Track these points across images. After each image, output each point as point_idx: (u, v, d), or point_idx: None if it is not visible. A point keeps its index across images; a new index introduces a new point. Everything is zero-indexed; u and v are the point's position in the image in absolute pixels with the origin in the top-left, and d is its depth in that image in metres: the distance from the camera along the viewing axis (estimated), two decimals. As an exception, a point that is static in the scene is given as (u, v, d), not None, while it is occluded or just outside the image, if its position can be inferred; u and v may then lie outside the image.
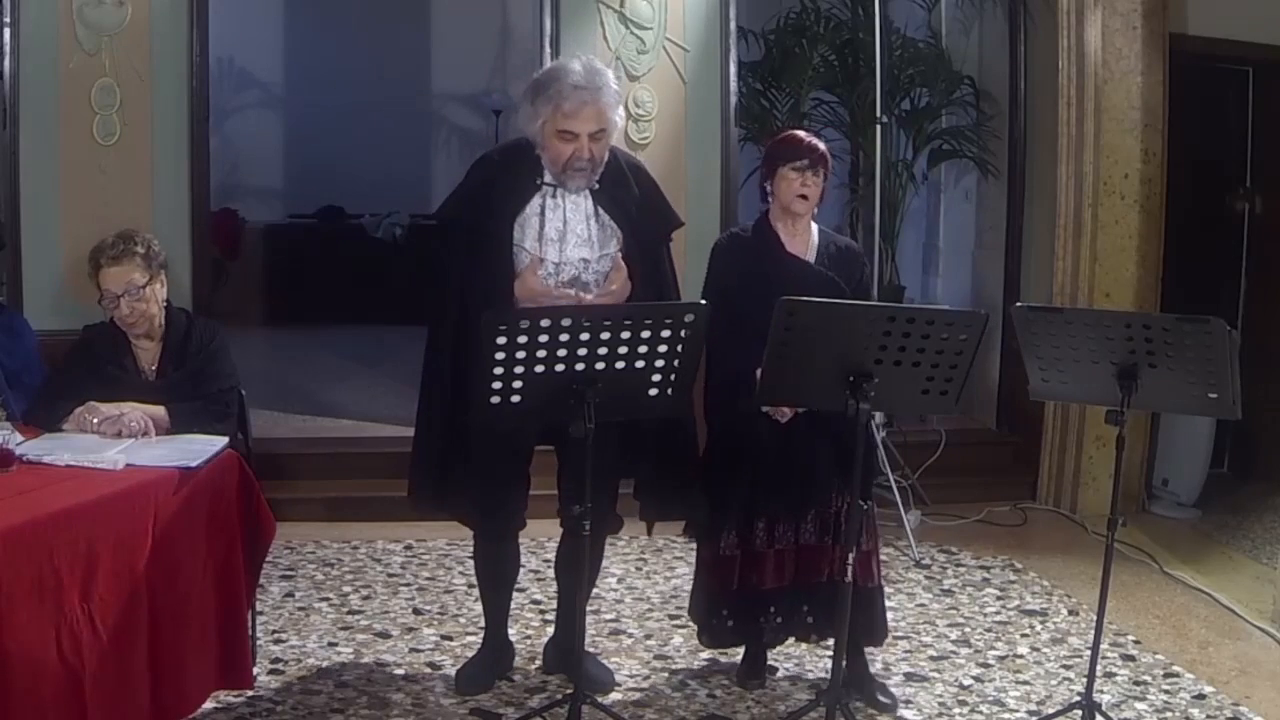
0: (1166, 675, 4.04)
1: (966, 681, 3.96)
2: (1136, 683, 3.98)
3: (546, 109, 3.45)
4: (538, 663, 3.99)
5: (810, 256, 3.71)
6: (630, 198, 3.61)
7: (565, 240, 3.52)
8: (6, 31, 5.40)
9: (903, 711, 3.72)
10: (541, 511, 3.80)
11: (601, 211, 3.56)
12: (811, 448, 3.62)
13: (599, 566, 3.98)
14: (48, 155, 5.50)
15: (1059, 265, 5.94)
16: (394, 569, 4.87)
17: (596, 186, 3.56)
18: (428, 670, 3.95)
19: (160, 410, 3.54)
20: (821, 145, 3.68)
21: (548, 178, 3.54)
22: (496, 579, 3.85)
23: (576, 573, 3.53)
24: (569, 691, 3.41)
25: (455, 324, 3.57)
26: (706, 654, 4.05)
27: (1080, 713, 3.44)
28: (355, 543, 5.14)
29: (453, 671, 3.89)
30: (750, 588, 3.69)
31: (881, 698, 3.73)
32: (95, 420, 3.47)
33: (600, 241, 3.55)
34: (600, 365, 3.09)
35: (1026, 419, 6.18)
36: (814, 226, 3.77)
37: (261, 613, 4.22)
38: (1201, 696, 3.89)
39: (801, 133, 3.75)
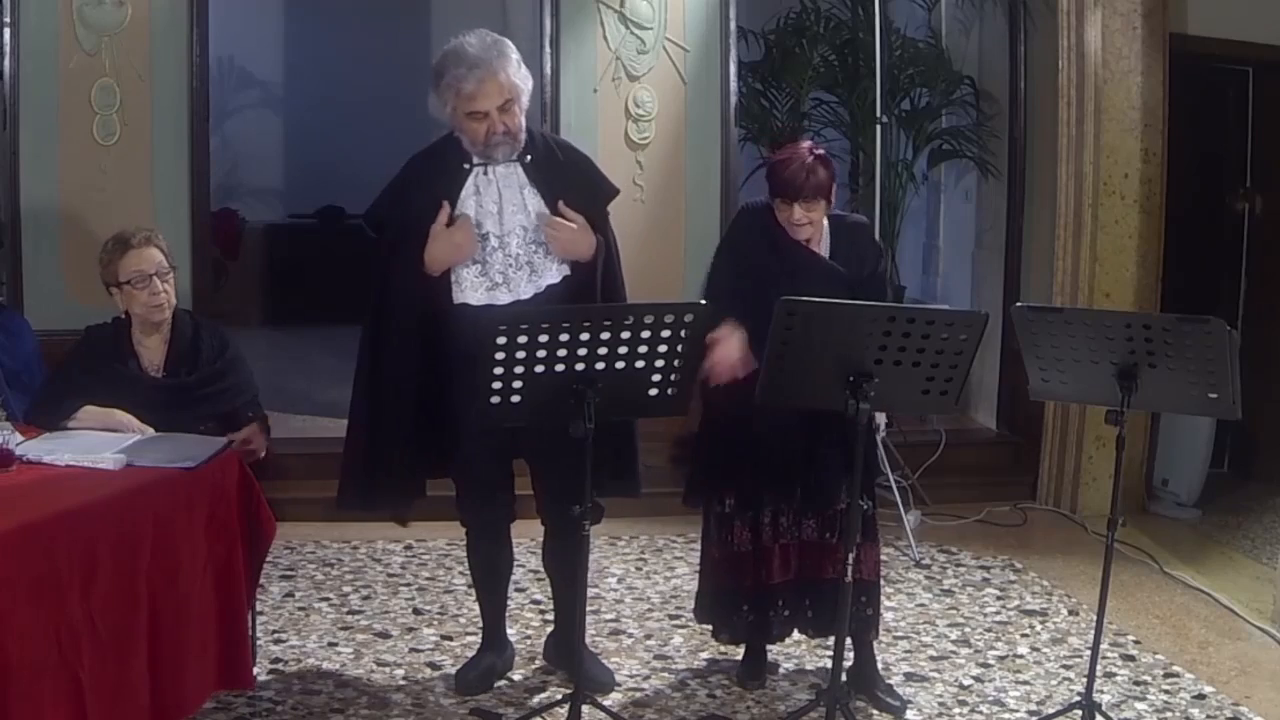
0: (1166, 675, 4.04)
1: (966, 681, 3.96)
2: (1136, 683, 3.98)
3: (449, 95, 3.47)
4: (538, 663, 3.99)
5: (825, 249, 3.68)
6: (559, 174, 3.61)
7: (503, 211, 3.54)
8: (6, 31, 5.40)
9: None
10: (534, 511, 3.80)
11: (534, 184, 3.57)
12: (816, 443, 3.61)
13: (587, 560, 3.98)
14: (48, 155, 5.50)
15: (1059, 265, 5.94)
16: (394, 569, 4.87)
17: (528, 159, 3.57)
18: (428, 670, 3.95)
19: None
20: (811, 167, 3.50)
21: (475, 159, 3.55)
22: (490, 577, 3.86)
23: (565, 569, 3.59)
24: (569, 691, 3.42)
25: (376, 323, 3.63)
26: (706, 654, 4.05)
27: (1080, 713, 3.44)
28: (355, 543, 5.14)
29: (453, 671, 3.89)
30: (761, 583, 3.70)
31: (889, 699, 3.73)
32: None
33: (536, 210, 3.56)
34: (600, 365, 3.09)
35: (1026, 419, 6.18)
36: (824, 221, 3.72)
37: (261, 613, 4.22)
38: (1201, 696, 3.89)
39: (795, 156, 3.54)
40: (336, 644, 4.12)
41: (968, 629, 4.41)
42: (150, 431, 3.49)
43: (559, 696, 3.66)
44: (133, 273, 3.65)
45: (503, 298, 3.53)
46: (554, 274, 3.57)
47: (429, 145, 3.77)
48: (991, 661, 4.12)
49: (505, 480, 3.72)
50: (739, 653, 3.94)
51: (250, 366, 3.84)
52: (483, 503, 3.69)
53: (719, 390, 3.53)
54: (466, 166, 3.57)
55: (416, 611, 4.44)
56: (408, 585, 4.70)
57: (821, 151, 3.62)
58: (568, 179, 3.62)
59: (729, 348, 3.46)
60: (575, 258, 3.57)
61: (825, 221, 3.70)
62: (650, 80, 5.89)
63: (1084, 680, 3.54)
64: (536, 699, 3.75)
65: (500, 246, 3.54)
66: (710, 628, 3.90)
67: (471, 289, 3.54)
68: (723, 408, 3.62)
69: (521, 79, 3.50)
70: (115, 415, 3.51)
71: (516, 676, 3.90)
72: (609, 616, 4.44)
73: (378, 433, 3.65)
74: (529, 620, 4.33)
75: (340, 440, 5.87)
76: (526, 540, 3.84)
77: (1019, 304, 3.51)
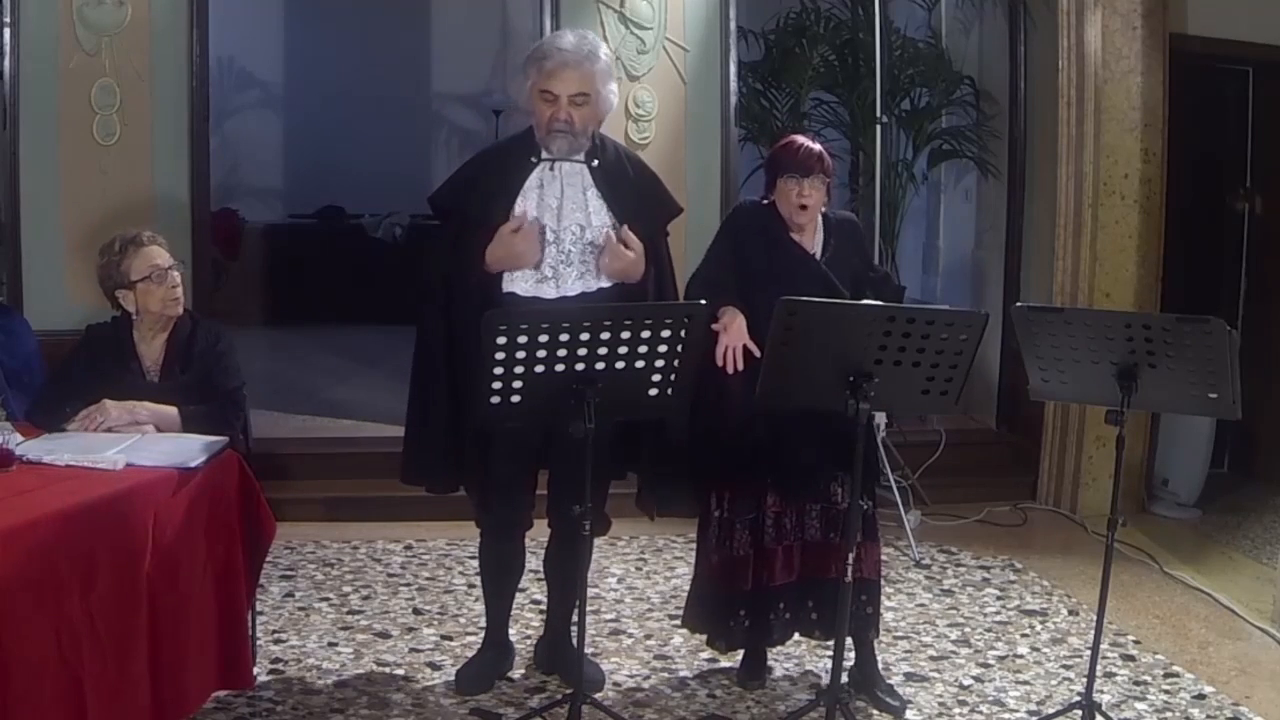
0: (1166, 675, 4.04)
1: (966, 681, 3.96)
2: (1136, 683, 3.99)
3: (532, 70, 3.53)
4: (538, 663, 3.99)
5: (817, 245, 3.70)
6: (627, 186, 3.64)
7: (562, 207, 3.56)
8: (6, 31, 5.40)
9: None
10: (543, 511, 3.80)
11: (598, 188, 3.60)
12: (804, 429, 3.61)
13: (589, 565, 3.98)
14: (48, 155, 5.50)
15: (1059, 265, 5.94)
16: (394, 569, 4.87)
17: (595, 164, 3.59)
18: (428, 670, 3.95)
19: (172, 411, 3.55)
20: (817, 148, 3.64)
21: (544, 154, 3.58)
22: (500, 580, 3.85)
23: (567, 573, 3.59)
24: (569, 691, 3.42)
25: (443, 311, 3.61)
26: (706, 654, 4.05)
27: (1080, 713, 3.44)
28: (355, 543, 5.14)
29: (453, 671, 3.89)
30: (762, 585, 3.69)
31: (889, 699, 3.72)
32: (101, 419, 3.48)
33: (596, 212, 3.58)
34: (600, 365, 3.09)
35: (1026, 419, 6.18)
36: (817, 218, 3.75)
37: (261, 613, 4.22)
38: (1201, 696, 3.89)
39: (798, 139, 3.70)
40: (336, 644, 4.13)
41: (968, 629, 4.41)
42: (150, 428, 3.50)
43: (559, 696, 3.66)
44: (150, 268, 3.66)
45: (549, 292, 3.54)
46: (605, 278, 3.58)
47: (499, 141, 3.84)
48: (991, 661, 4.12)
49: (529, 482, 3.72)
50: (739, 652, 3.93)
51: (238, 358, 3.81)
52: (504, 503, 3.68)
53: (716, 391, 3.55)
54: (534, 160, 3.59)
55: (416, 611, 4.44)
56: (408, 585, 4.70)
57: None
58: (634, 193, 3.65)
59: (738, 331, 3.48)
60: (620, 280, 3.58)
61: (818, 217, 3.73)
62: (650, 80, 5.90)
63: (1084, 680, 3.54)
64: (536, 699, 3.75)
65: (554, 241, 3.55)
66: (706, 635, 3.89)
67: (521, 279, 3.55)
68: (720, 408, 3.62)
69: (607, 89, 3.53)
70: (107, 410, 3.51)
71: (516, 676, 3.90)
72: (609, 616, 4.44)
73: (433, 418, 3.64)
74: (529, 620, 4.33)
75: (338, 440, 5.99)
76: (527, 540, 3.84)
77: (1019, 304, 3.51)
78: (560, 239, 3.55)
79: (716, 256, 3.73)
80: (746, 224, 3.74)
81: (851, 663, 3.74)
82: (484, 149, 3.85)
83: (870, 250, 3.88)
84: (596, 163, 3.60)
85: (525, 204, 3.56)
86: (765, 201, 3.72)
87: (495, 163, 3.68)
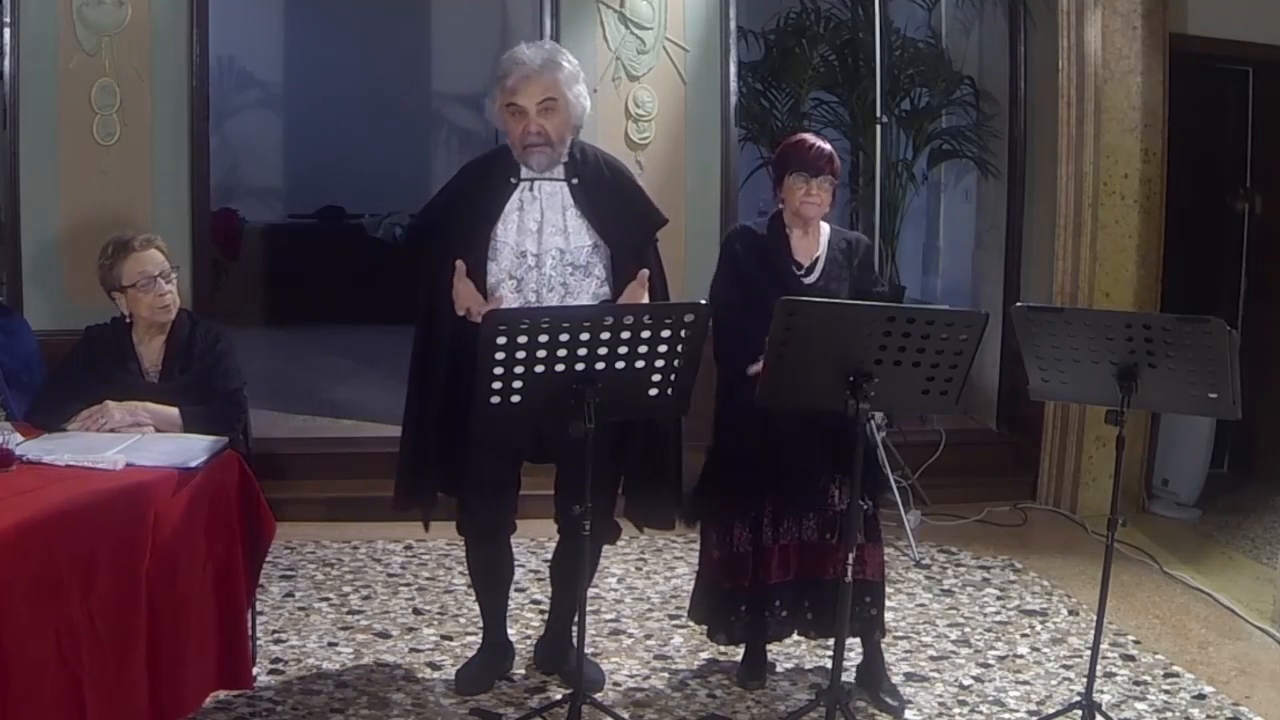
0: (1166, 675, 4.04)
1: (966, 681, 3.96)
2: (1136, 683, 3.99)
3: (497, 90, 3.51)
4: (538, 663, 3.99)
5: (820, 257, 3.71)
6: (610, 199, 3.62)
7: (542, 230, 3.54)
8: (6, 31, 5.41)
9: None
10: (542, 512, 3.80)
11: (578, 206, 3.57)
12: (802, 435, 3.61)
13: (594, 573, 3.98)
14: (48, 155, 5.50)
15: (1059, 265, 5.94)
16: (394, 569, 4.87)
17: (575, 181, 3.57)
18: (428, 670, 3.95)
19: (174, 412, 3.55)
20: (828, 149, 3.65)
21: (524, 174, 3.56)
22: (490, 582, 3.85)
23: (572, 576, 3.56)
24: (569, 691, 3.42)
25: (426, 327, 3.61)
26: (706, 654, 4.05)
27: (1080, 713, 3.44)
28: (355, 543, 5.14)
29: (453, 671, 3.89)
30: (759, 583, 3.70)
31: (890, 699, 3.72)
32: (103, 420, 3.48)
33: (575, 232, 3.56)
34: (600, 365, 3.09)
35: (1026, 419, 6.18)
36: (825, 227, 3.76)
37: (261, 613, 4.23)
38: (1201, 696, 3.89)
39: (808, 137, 3.72)
40: (336, 644, 4.13)
41: (968, 629, 4.41)
42: (150, 429, 3.50)
43: (559, 696, 3.66)
44: (137, 275, 3.65)
45: None
46: (588, 297, 3.55)
47: (482, 155, 3.80)
48: (991, 661, 4.12)
49: (513, 482, 3.72)
50: (739, 653, 3.94)
51: (238, 358, 3.81)
52: (491, 506, 3.67)
53: (735, 401, 3.56)
54: (513, 181, 3.57)
55: (416, 611, 4.44)
56: (408, 585, 4.70)
57: None
58: (615, 205, 3.62)
59: None
60: None
61: (825, 231, 3.73)
62: (650, 80, 5.90)
63: (1084, 680, 3.54)
64: (536, 699, 3.75)
65: (536, 266, 3.53)
66: (706, 628, 3.90)
67: (507, 304, 3.51)
68: (739, 417, 3.63)
69: (573, 93, 3.50)
70: (109, 409, 3.51)
71: (516, 676, 3.90)
72: (609, 616, 4.44)
73: (424, 435, 3.64)
74: (529, 620, 4.33)
75: (338, 440, 5.99)
76: (526, 540, 3.84)
77: (1019, 304, 3.51)
78: (541, 263, 3.53)
79: (725, 277, 3.74)
80: (742, 249, 3.75)
81: (856, 661, 3.75)
82: (465, 165, 3.78)
83: (873, 272, 3.87)
84: (576, 180, 3.57)
85: (505, 228, 3.53)
86: (761, 219, 3.74)
87: (476, 183, 3.64)
